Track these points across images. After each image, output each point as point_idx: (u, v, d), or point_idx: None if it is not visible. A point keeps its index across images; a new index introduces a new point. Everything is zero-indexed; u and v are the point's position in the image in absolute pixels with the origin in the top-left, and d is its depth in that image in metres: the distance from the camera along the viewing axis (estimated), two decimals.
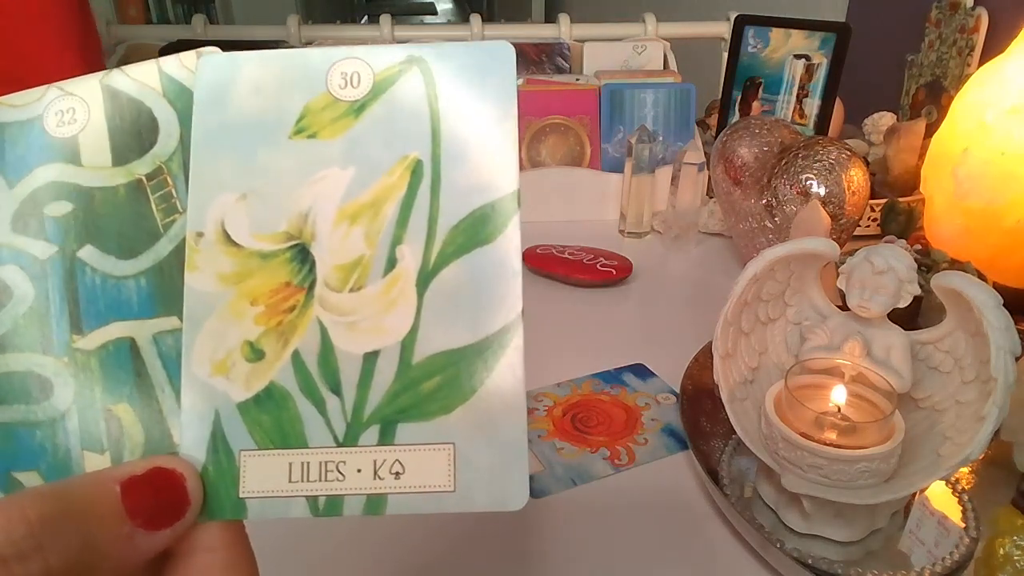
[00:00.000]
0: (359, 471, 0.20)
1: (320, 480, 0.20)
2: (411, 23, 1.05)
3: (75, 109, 0.22)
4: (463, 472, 0.20)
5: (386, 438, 0.21)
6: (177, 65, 0.22)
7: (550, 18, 1.04)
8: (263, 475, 0.20)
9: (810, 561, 0.35)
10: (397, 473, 0.20)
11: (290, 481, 0.20)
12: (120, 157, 0.22)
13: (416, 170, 0.21)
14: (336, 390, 0.21)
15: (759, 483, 0.41)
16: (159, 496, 0.19)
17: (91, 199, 0.22)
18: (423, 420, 0.21)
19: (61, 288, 0.21)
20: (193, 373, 0.21)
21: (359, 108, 0.22)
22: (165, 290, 0.21)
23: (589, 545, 0.38)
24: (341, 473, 0.20)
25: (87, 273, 0.21)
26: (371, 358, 0.21)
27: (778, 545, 0.36)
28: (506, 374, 0.20)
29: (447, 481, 0.20)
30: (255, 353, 0.21)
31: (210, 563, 0.20)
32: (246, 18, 2.83)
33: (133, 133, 0.22)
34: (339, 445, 0.21)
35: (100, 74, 0.23)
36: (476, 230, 0.21)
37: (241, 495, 0.20)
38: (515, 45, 0.22)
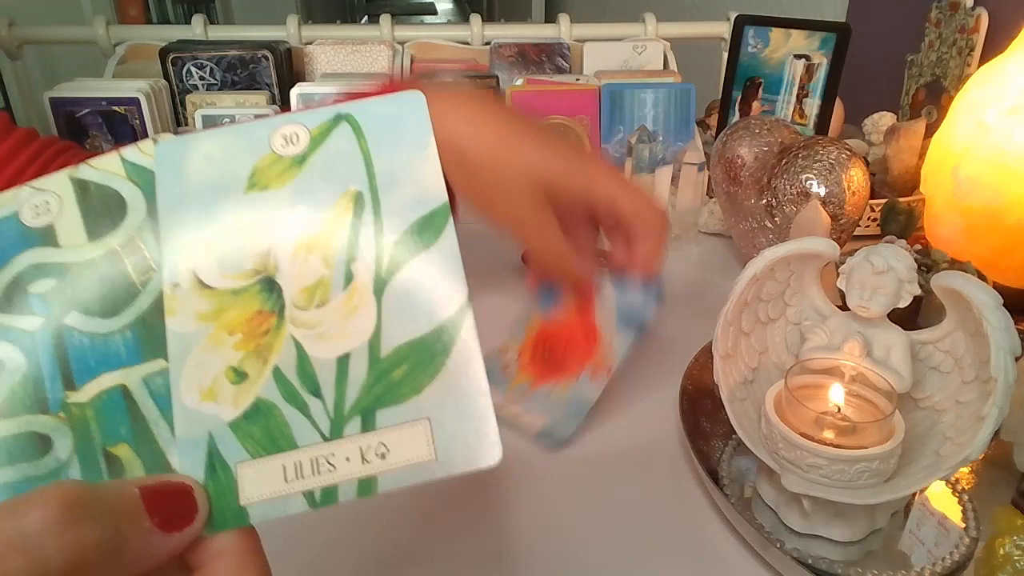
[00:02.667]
0: (348, 459, 0.23)
1: (313, 475, 0.22)
2: (411, 23, 1.05)
3: (48, 202, 0.25)
4: (440, 441, 0.23)
5: (368, 425, 0.23)
6: (136, 152, 0.26)
7: (550, 18, 1.04)
8: (260, 481, 0.22)
9: (810, 561, 0.35)
10: (383, 454, 0.23)
11: (286, 481, 0.22)
12: (94, 234, 0.25)
13: (358, 200, 0.25)
14: (316, 393, 0.23)
15: (759, 483, 0.41)
16: (172, 500, 0.21)
17: (71, 272, 0.25)
18: (398, 403, 0.23)
19: (51, 353, 0.24)
20: (183, 404, 0.23)
21: (301, 160, 0.25)
22: (149, 337, 0.24)
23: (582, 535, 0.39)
24: (332, 464, 0.23)
25: (74, 336, 0.24)
26: (343, 360, 0.24)
27: (778, 545, 0.36)
28: (463, 350, 0.23)
29: (428, 452, 0.23)
30: (239, 376, 0.23)
31: (224, 568, 0.21)
32: (246, 18, 2.83)
33: (104, 213, 0.25)
34: (326, 440, 0.23)
35: (68, 169, 0.26)
36: (417, 238, 0.24)
37: (241, 503, 0.22)
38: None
